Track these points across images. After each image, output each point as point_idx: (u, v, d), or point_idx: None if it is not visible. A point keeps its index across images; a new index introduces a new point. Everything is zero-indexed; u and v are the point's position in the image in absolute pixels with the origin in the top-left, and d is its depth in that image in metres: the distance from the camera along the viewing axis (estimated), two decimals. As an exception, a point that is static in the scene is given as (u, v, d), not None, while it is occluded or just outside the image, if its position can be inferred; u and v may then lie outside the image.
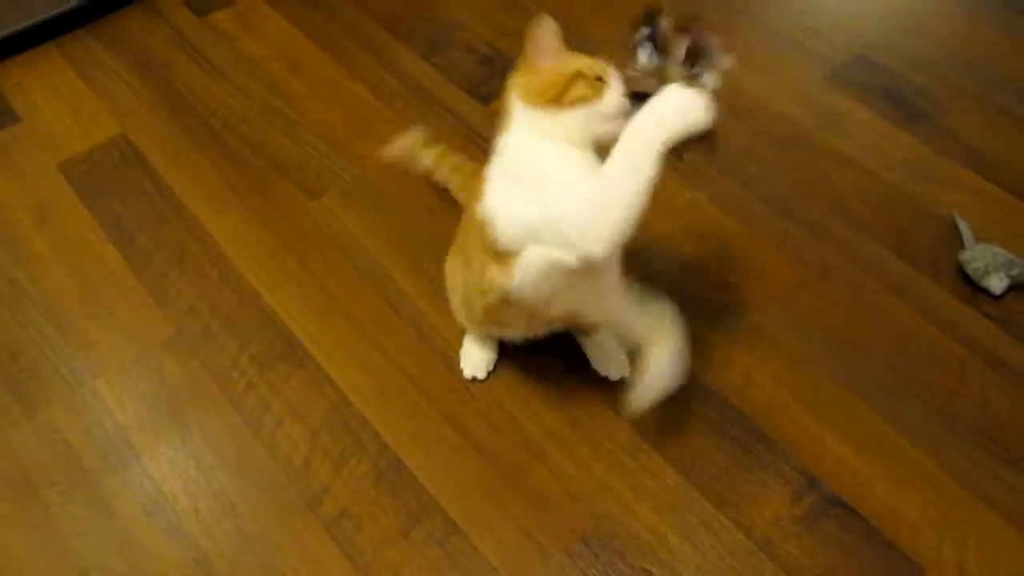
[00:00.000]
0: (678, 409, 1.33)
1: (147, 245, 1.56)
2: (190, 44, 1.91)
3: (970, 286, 1.46)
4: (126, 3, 1.99)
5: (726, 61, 1.07)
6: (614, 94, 1.07)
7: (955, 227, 1.53)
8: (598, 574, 1.19)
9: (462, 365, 1.38)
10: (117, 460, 1.30)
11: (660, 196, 1.55)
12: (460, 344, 1.40)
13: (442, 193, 1.56)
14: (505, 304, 1.15)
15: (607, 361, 1.36)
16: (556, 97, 1.06)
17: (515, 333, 1.31)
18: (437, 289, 1.43)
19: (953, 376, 1.37)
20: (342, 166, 1.67)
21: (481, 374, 1.37)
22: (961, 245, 1.50)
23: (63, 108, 1.79)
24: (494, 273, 1.12)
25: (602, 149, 1.05)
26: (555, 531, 1.23)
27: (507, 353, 1.39)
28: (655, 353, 1.18)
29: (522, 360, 1.39)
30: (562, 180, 1.05)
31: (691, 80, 1.05)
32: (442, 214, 1.55)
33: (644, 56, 1.07)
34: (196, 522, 1.24)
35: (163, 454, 1.31)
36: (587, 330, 1.35)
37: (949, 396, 1.34)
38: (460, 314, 1.34)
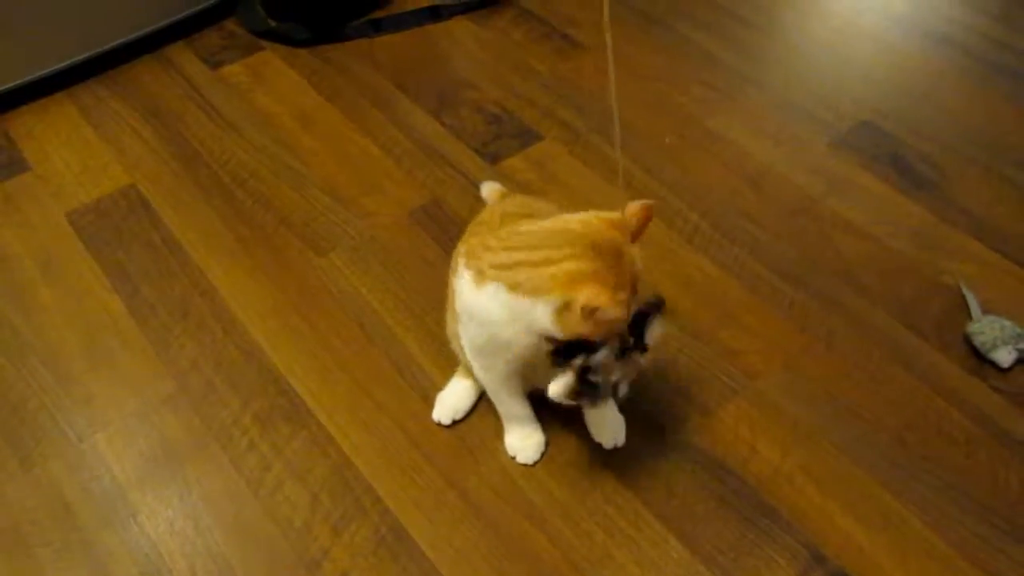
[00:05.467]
0: (682, 478, 1.31)
1: (152, 298, 1.56)
2: (202, 96, 1.93)
3: (978, 358, 1.45)
4: (138, 55, 2.01)
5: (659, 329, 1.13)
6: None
7: (963, 298, 1.53)
8: (601, 649, 1.17)
9: (435, 411, 1.39)
10: (114, 518, 1.29)
11: (664, 260, 1.56)
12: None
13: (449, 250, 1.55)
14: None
15: (603, 428, 1.35)
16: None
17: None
18: (442, 349, 1.42)
19: (961, 450, 1.35)
20: (350, 223, 1.67)
21: (447, 421, 1.38)
22: (968, 316, 1.49)
23: (73, 157, 1.80)
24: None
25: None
26: (557, 603, 1.21)
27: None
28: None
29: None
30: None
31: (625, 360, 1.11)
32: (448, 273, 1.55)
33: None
34: (192, 586, 1.22)
35: (161, 513, 1.29)
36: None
37: (957, 471, 1.33)
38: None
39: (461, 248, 1.21)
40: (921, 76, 2.00)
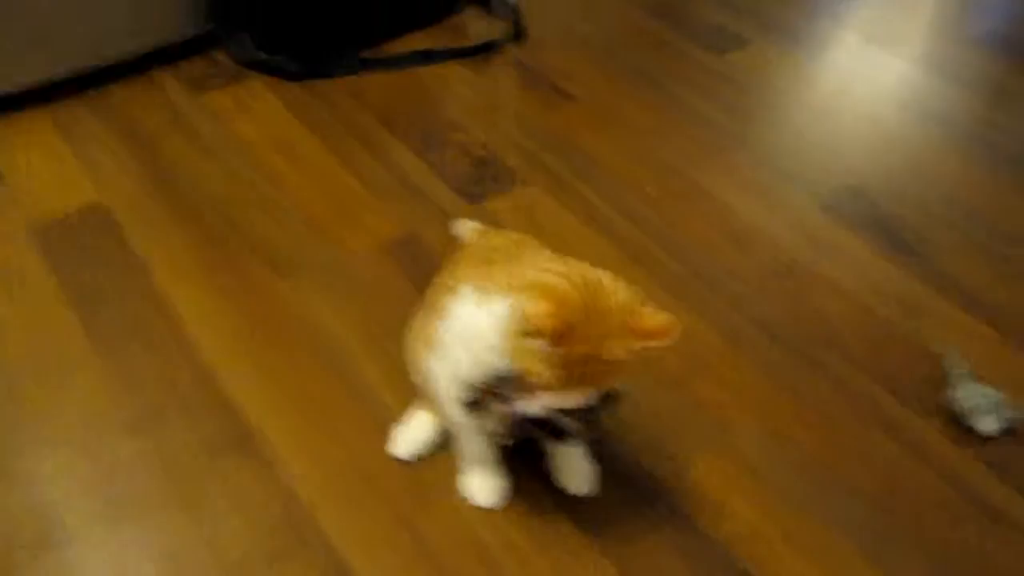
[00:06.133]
0: (648, 531, 1.24)
1: (111, 317, 1.49)
2: (183, 119, 1.90)
3: (961, 428, 1.40)
4: (122, 77, 1.99)
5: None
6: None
7: (944, 364, 1.49)
8: None
9: (393, 444, 1.32)
10: (49, 543, 1.20)
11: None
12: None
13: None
14: None
15: (570, 473, 1.28)
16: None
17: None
18: (404, 381, 1.36)
19: (948, 523, 1.28)
20: (320, 251, 1.62)
21: (405, 455, 1.31)
22: (950, 384, 1.44)
23: (45, 172, 1.76)
24: None
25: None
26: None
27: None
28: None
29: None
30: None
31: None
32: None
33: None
34: (115, 617, 1.13)
35: (97, 539, 1.20)
36: (561, 436, 1.27)
37: (945, 545, 1.26)
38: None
39: (449, 276, 1.14)
40: (909, 147, 1.99)
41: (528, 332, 0.92)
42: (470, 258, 1.18)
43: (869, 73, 2.24)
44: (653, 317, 0.98)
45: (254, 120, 1.91)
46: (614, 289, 0.99)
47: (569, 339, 0.92)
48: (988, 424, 1.36)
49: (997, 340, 1.55)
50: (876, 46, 2.35)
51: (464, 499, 1.26)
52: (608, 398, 1.05)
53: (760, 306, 1.58)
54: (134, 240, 1.63)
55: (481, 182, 1.81)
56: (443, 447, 1.31)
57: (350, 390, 1.40)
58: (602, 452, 1.32)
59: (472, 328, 1.02)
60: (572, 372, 0.95)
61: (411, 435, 1.31)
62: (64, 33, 1.84)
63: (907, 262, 1.69)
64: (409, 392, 1.33)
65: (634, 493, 1.29)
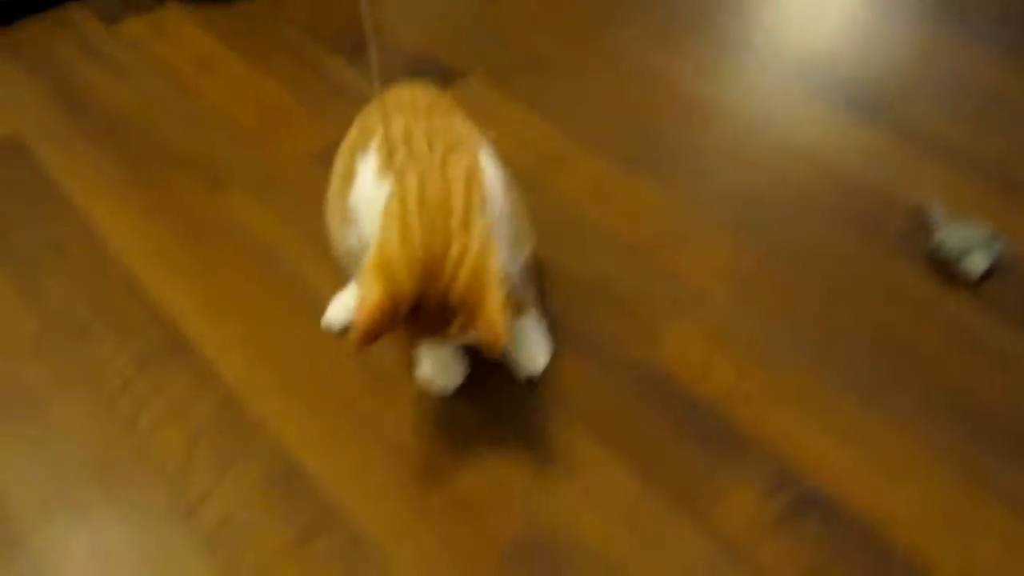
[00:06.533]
0: (626, 401, 1.14)
1: (21, 241, 1.36)
2: (96, 49, 1.76)
3: (946, 270, 1.31)
4: (32, 12, 1.85)
5: None
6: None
7: (923, 212, 1.40)
8: (534, 587, 0.97)
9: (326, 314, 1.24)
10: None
11: (604, 189, 1.40)
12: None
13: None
14: None
15: (521, 349, 1.17)
16: None
17: None
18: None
19: (935, 363, 1.20)
20: (251, 160, 1.50)
21: (339, 325, 1.22)
22: (933, 229, 1.36)
23: (-55, 109, 1.62)
24: None
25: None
26: (484, 537, 1.01)
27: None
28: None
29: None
30: None
31: None
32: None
33: None
34: (40, 538, 1.01)
35: (9, 464, 1.08)
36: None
37: (933, 384, 1.17)
38: None
39: (359, 134, 1.01)
40: (872, 18, 1.90)
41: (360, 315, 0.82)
42: (377, 114, 1.02)
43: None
44: (491, 312, 0.83)
45: (172, 43, 1.78)
46: (475, 244, 0.85)
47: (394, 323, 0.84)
48: (979, 262, 1.27)
49: (980, 188, 1.46)
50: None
51: (425, 390, 1.15)
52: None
53: (726, 175, 1.48)
54: (49, 166, 1.50)
55: (417, 78, 1.69)
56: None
57: (293, 292, 1.28)
58: (568, 329, 1.22)
59: (374, 199, 0.90)
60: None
61: (343, 304, 1.21)
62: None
63: (868, 120, 1.60)
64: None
65: (607, 365, 1.18)
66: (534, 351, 1.16)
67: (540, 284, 1.29)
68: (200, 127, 1.57)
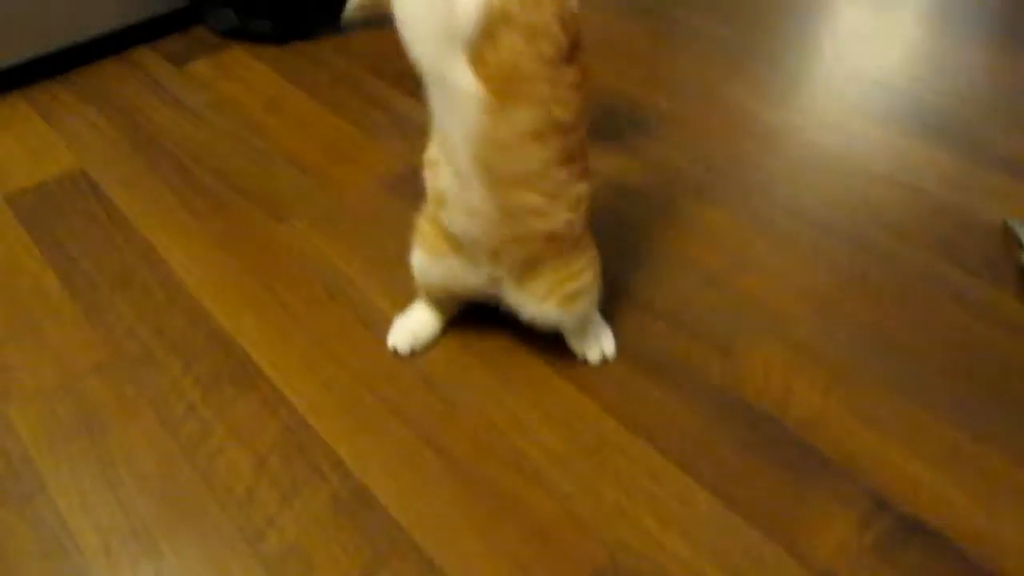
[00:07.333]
0: (706, 424, 1.09)
1: (90, 270, 1.37)
2: (164, 89, 1.79)
3: (1040, 291, 1.25)
4: (99, 57, 1.89)
5: None
6: None
7: (1007, 230, 1.34)
8: (615, 618, 0.92)
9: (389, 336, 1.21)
10: (18, 492, 1.06)
11: (678, 218, 1.37)
12: (441, 362, 1.19)
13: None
14: None
15: (584, 338, 1.16)
16: None
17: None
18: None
19: (1037, 385, 1.13)
20: (318, 192, 1.50)
21: (404, 347, 1.19)
22: (1020, 247, 1.29)
23: (19, 146, 1.65)
24: None
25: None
26: (560, 565, 0.96)
27: (489, 362, 1.17)
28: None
29: (506, 369, 1.16)
30: None
31: None
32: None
33: None
34: (106, 564, 0.98)
35: (74, 484, 1.06)
36: None
37: (1036, 406, 1.10)
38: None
39: None
40: (927, 41, 1.86)
41: None
42: None
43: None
44: None
45: (238, 83, 1.80)
46: None
47: None
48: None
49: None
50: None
51: (492, 411, 1.12)
52: None
53: (794, 197, 1.44)
54: (115, 197, 1.51)
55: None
56: (471, 364, 1.17)
57: (359, 319, 1.26)
58: (642, 353, 1.17)
59: None
60: None
61: (411, 327, 1.20)
62: (39, 12, 1.75)
63: (943, 144, 1.55)
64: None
65: (685, 388, 1.14)
66: (598, 338, 1.18)
67: (615, 311, 1.24)
68: (266, 161, 1.58)
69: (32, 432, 1.13)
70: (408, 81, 1.76)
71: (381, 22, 1.89)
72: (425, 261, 1.12)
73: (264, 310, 1.28)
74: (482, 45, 0.85)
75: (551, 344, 1.17)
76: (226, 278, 1.34)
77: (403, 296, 1.26)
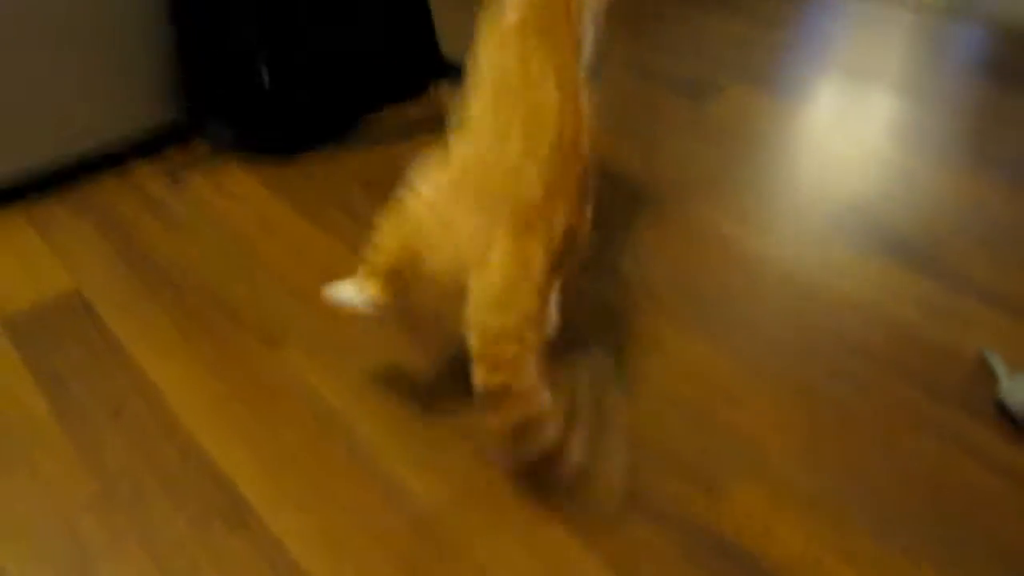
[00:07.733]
0: (690, 565, 1.11)
1: (83, 398, 1.39)
2: (159, 206, 1.84)
3: (1012, 422, 1.28)
4: (97, 172, 1.94)
5: None
6: None
7: (984, 363, 1.38)
8: None
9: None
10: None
11: (653, 347, 1.40)
12: (434, 498, 1.20)
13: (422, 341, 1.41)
14: None
15: None
16: None
17: None
18: (409, 438, 1.25)
19: (1012, 519, 1.16)
20: (308, 317, 1.53)
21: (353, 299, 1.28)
22: (995, 381, 1.34)
23: (17, 267, 1.68)
24: None
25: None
26: None
27: (482, 503, 1.19)
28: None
29: (498, 501, 1.18)
30: None
31: None
32: (417, 362, 1.40)
33: None
34: None
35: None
36: None
37: (1011, 541, 1.13)
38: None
39: None
40: (903, 168, 1.93)
41: None
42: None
43: (854, 106, 2.21)
44: None
45: (232, 199, 1.85)
46: None
47: None
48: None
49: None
50: (860, 80, 2.34)
51: (486, 558, 1.13)
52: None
53: (775, 328, 1.48)
54: (109, 320, 1.54)
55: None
56: (467, 507, 1.18)
57: (349, 452, 1.28)
58: (634, 485, 1.20)
59: None
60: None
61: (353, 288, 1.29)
62: (34, 129, 1.80)
63: (919, 269, 1.60)
64: (417, 451, 1.22)
65: (668, 524, 1.16)
66: None
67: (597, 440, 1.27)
68: (258, 282, 1.61)
69: (21, 569, 1.13)
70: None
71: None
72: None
73: (255, 442, 1.30)
74: None
75: (539, 483, 1.19)
76: (217, 406, 1.36)
77: (393, 430, 1.29)
